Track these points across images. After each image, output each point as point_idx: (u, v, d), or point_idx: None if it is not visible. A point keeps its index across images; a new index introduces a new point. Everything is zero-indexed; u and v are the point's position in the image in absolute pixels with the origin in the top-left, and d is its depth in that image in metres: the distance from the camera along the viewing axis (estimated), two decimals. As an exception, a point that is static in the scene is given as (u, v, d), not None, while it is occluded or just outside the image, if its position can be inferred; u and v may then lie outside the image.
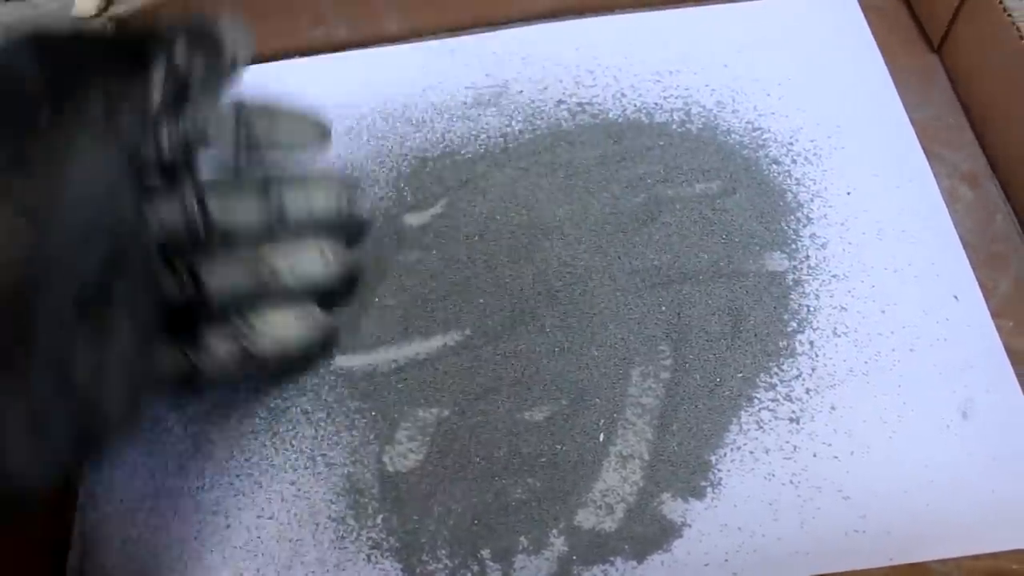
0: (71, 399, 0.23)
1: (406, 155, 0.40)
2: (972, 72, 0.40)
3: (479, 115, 0.41)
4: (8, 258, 0.21)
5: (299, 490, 0.32)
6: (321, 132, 0.33)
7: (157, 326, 0.27)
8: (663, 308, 0.34)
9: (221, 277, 0.29)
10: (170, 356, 0.29)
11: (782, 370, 0.33)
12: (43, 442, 0.22)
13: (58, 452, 0.23)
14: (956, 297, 0.34)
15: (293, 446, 0.33)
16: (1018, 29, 0.36)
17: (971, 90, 0.40)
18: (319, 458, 0.33)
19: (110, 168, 0.25)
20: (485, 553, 0.30)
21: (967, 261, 0.35)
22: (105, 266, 0.24)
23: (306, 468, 0.33)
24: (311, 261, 0.31)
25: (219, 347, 0.30)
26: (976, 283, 0.34)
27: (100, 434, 0.24)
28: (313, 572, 0.31)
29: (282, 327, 0.31)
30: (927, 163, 0.38)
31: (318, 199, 0.31)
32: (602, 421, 0.32)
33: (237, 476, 0.33)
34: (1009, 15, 0.37)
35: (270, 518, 0.32)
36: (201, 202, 0.28)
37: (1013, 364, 0.33)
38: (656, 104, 0.41)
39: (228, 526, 0.32)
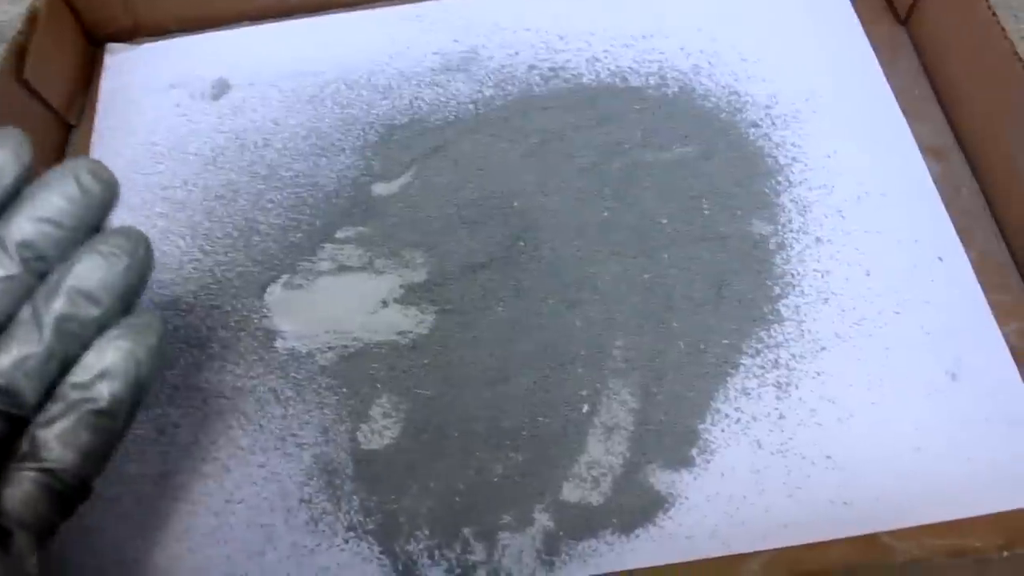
0: None
1: (373, 123, 0.39)
2: (939, 44, 0.39)
3: (448, 81, 0.40)
4: None
5: (269, 473, 0.31)
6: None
7: None
8: (645, 275, 0.33)
9: None
10: None
11: (768, 336, 0.32)
12: None
13: None
14: (940, 258, 0.34)
15: (261, 427, 0.31)
16: (987, 0, 0.35)
17: (938, 63, 0.39)
18: (289, 438, 0.31)
19: None
20: (468, 531, 0.29)
21: (950, 222, 0.34)
22: None
23: (276, 449, 0.31)
24: None
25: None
26: (960, 244, 0.34)
27: None
28: (288, 557, 0.29)
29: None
30: (907, 126, 0.37)
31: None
32: (585, 391, 0.31)
33: (202, 460, 0.31)
34: (979, -15, 0.36)
35: (239, 503, 0.30)
36: None
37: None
38: (630, 68, 0.39)
39: (194, 513, 0.30)
